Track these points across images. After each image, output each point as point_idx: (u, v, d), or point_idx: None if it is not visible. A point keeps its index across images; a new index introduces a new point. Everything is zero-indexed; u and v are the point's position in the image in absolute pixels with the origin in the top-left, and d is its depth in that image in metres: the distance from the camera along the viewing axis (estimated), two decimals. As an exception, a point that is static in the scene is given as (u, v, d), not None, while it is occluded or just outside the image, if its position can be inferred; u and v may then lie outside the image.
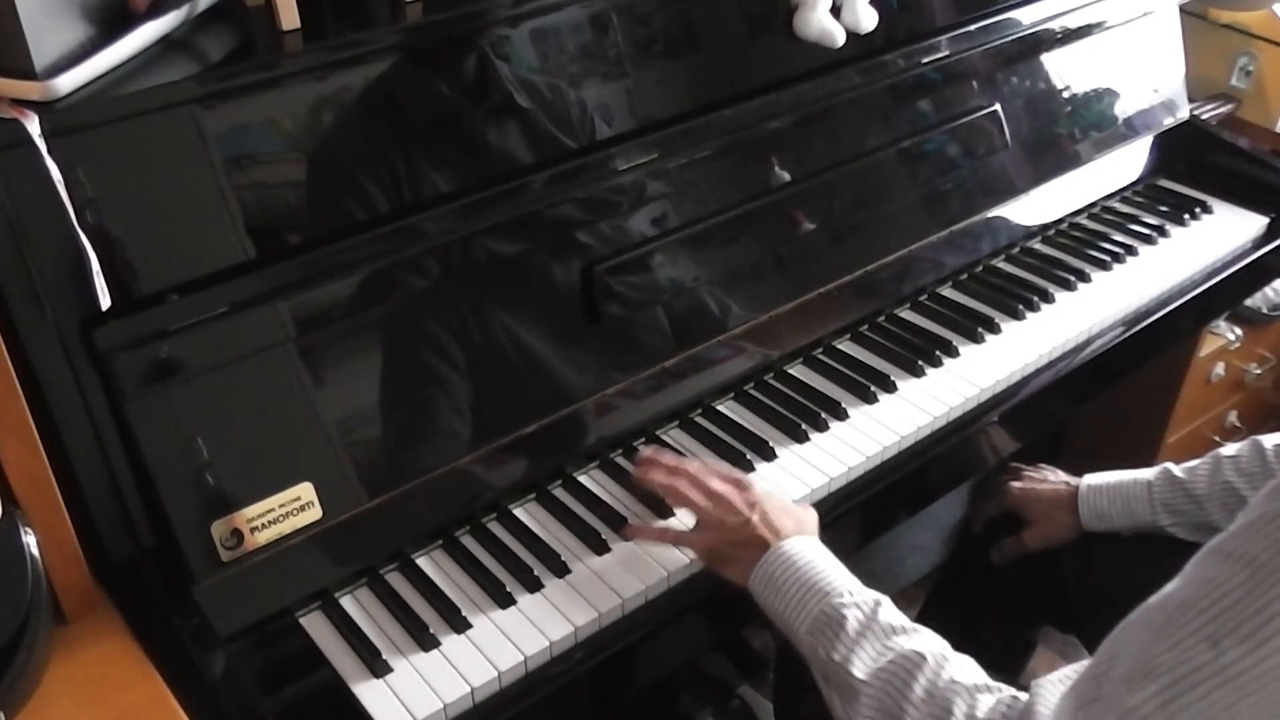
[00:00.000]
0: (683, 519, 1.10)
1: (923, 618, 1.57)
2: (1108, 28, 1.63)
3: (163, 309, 0.92)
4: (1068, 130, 1.59)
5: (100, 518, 0.94)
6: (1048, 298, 1.45)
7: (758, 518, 1.02)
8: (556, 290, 1.13)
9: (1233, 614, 0.67)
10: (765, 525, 1.01)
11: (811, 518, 1.06)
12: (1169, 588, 0.72)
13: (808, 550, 0.99)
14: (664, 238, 1.20)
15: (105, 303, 0.88)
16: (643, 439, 1.21)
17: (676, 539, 1.06)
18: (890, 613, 0.93)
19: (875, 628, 0.92)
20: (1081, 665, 0.79)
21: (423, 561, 1.06)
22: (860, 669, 0.90)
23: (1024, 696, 0.83)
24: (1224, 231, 1.61)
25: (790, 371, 1.32)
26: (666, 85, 1.22)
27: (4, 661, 0.85)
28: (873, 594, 0.95)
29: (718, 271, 1.24)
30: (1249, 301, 1.74)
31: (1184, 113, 1.74)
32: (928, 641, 0.91)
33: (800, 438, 1.21)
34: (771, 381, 1.30)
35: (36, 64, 0.84)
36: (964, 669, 0.88)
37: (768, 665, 1.57)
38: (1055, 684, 0.81)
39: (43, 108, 0.85)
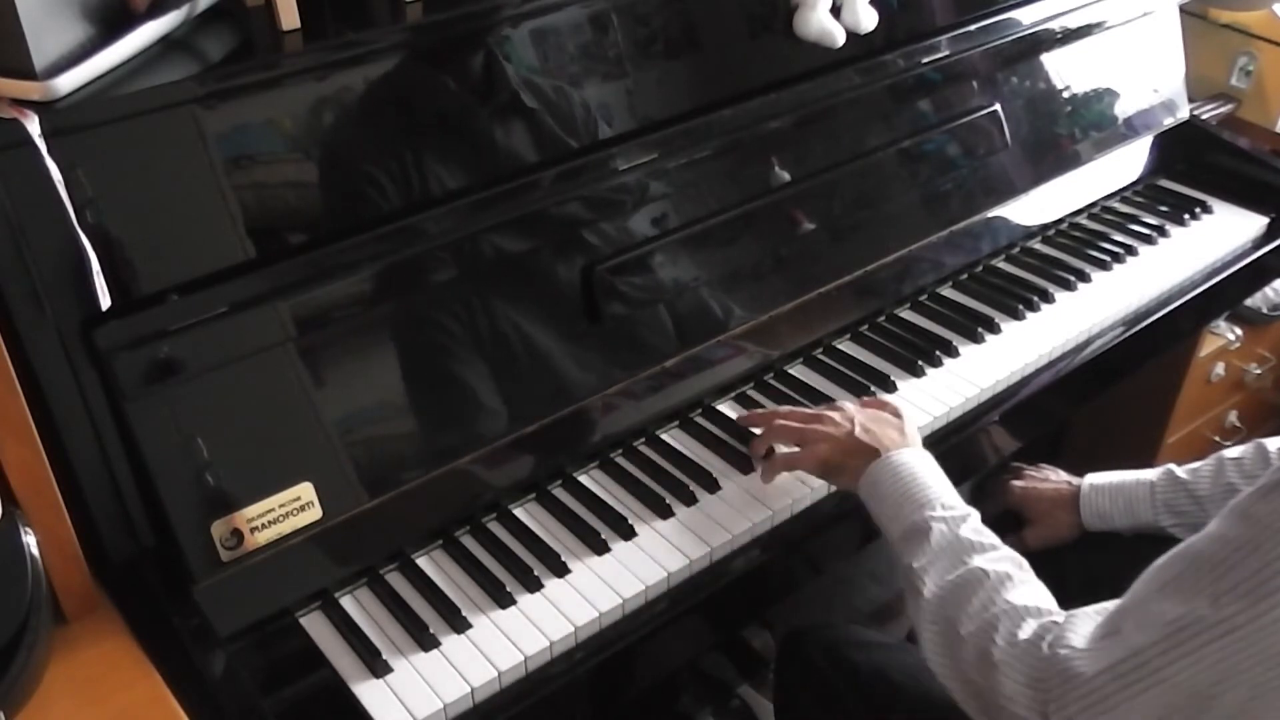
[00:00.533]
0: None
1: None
2: (1107, 28, 1.63)
3: (163, 309, 0.92)
4: (1068, 130, 1.59)
5: (100, 518, 0.94)
6: (1048, 298, 1.45)
7: (859, 429, 1.09)
8: (557, 290, 1.13)
9: (1234, 569, 0.72)
10: (869, 435, 1.08)
11: (911, 421, 1.13)
12: (1193, 538, 0.79)
13: (912, 461, 1.05)
14: (665, 237, 1.20)
15: (105, 303, 0.88)
16: (643, 439, 1.21)
17: (790, 463, 1.13)
18: (974, 529, 0.97)
19: (957, 542, 0.96)
20: (1111, 604, 0.85)
21: (423, 561, 1.06)
22: (932, 579, 0.95)
23: (1062, 620, 0.87)
24: (1224, 231, 1.61)
25: (790, 371, 1.32)
26: (667, 85, 1.22)
27: (4, 661, 0.85)
28: (965, 510, 1.00)
29: (718, 271, 1.24)
30: (1249, 301, 1.74)
31: (1184, 113, 1.74)
32: (999, 561, 0.94)
33: (800, 438, 1.21)
34: (771, 381, 1.30)
35: (36, 64, 0.84)
36: (1021, 591, 0.91)
37: (768, 665, 1.57)
38: (1090, 616, 0.86)
39: (43, 108, 0.85)
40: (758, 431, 1.18)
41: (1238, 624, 0.72)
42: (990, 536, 0.98)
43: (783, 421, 1.15)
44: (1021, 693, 0.84)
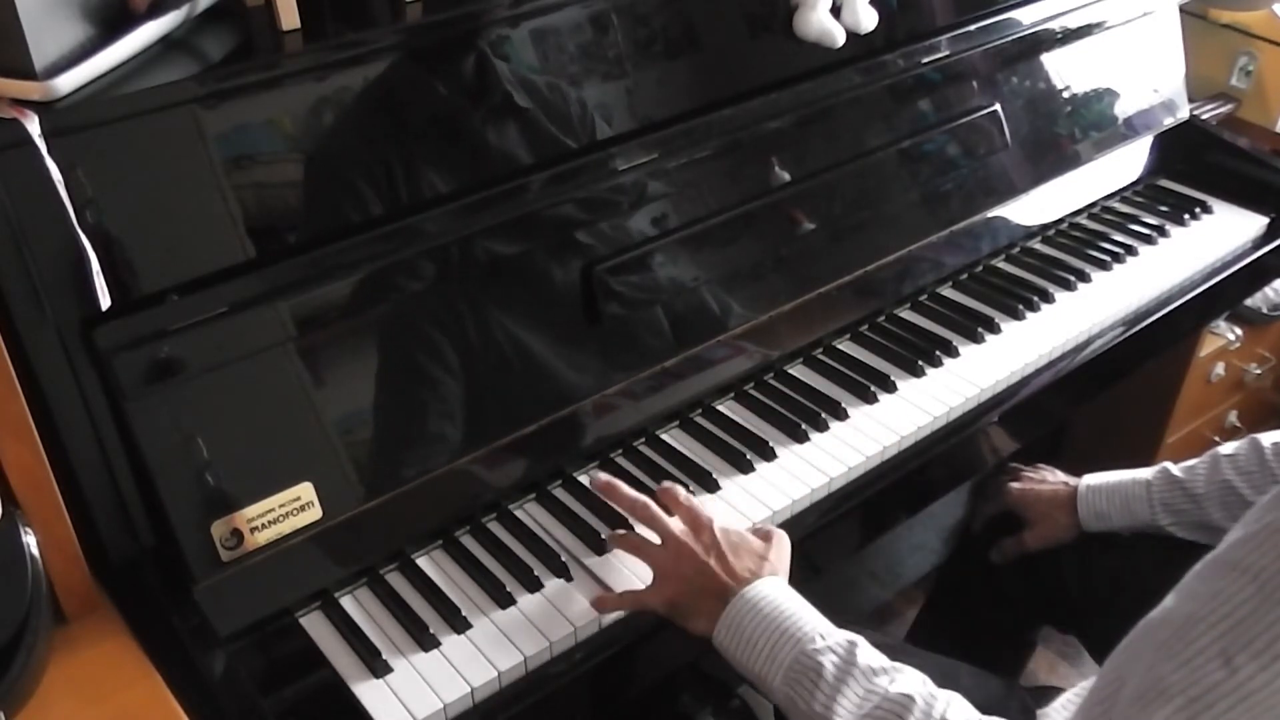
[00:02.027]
0: (641, 574, 1.04)
1: (923, 617, 1.58)
2: (1108, 28, 1.63)
3: (163, 309, 0.92)
4: (1068, 130, 1.59)
5: (100, 518, 0.94)
6: (1048, 298, 1.45)
7: (715, 562, 0.96)
8: (556, 290, 1.13)
9: (1244, 629, 0.65)
10: (725, 570, 0.96)
11: (779, 547, 1.01)
12: (1170, 602, 0.70)
13: (773, 594, 0.93)
14: (664, 238, 1.20)
15: (105, 303, 0.88)
16: (643, 439, 1.21)
17: (635, 602, 1.00)
18: (868, 654, 0.89)
19: (855, 671, 0.87)
20: (1084, 688, 0.77)
21: (423, 561, 1.06)
22: (845, 718, 0.86)
23: None
24: (1224, 231, 1.61)
25: (790, 371, 1.32)
26: (666, 85, 1.22)
27: (4, 661, 0.85)
28: (846, 635, 0.91)
29: (718, 271, 1.24)
30: (1249, 301, 1.74)
31: (1184, 113, 1.74)
32: (912, 681, 0.87)
33: (800, 438, 1.21)
34: (771, 381, 1.30)
35: (36, 64, 0.84)
36: (955, 707, 0.85)
37: (768, 665, 1.57)
38: (1059, 711, 0.81)
39: (43, 108, 0.85)
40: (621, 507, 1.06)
41: (1255, 687, 0.64)
42: (884, 658, 0.89)
43: (639, 540, 1.02)
44: None
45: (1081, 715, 0.73)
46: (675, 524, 1.01)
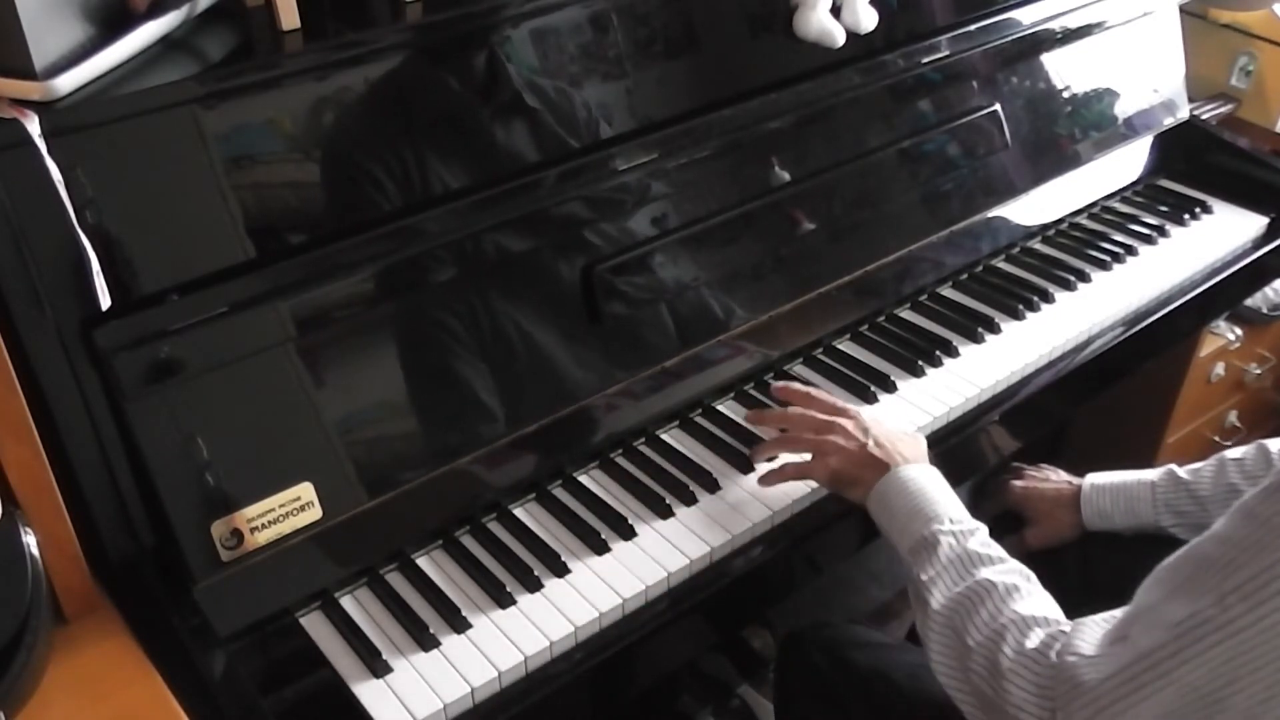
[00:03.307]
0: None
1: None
2: (1107, 28, 1.63)
3: (163, 309, 0.92)
4: (1068, 130, 1.59)
5: (100, 518, 0.94)
6: (1048, 298, 1.45)
7: (872, 442, 1.09)
8: (557, 290, 1.13)
9: (1238, 570, 0.72)
10: (881, 449, 1.08)
11: (921, 444, 1.13)
12: (1199, 538, 0.79)
13: (920, 476, 1.05)
14: (665, 237, 1.20)
15: (105, 303, 0.88)
16: (643, 439, 1.21)
17: (800, 472, 1.12)
18: (981, 542, 0.98)
19: (964, 555, 0.97)
20: (1117, 612, 0.85)
21: (423, 561, 1.06)
22: (940, 591, 0.96)
23: (1069, 629, 0.87)
24: (1224, 231, 1.61)
25: (790, 371, 1.32)
26: (667, 85, 1.22)
27: (4, 661, 0.85)
28: (973, 524, 1.01)
29: (718, 271, 1.24)
30: (1249, 301, 1.74)
31: (1184, 113, 1.74)
32: (1006, 573, 0.95)
33: (800, 438, 1.21)
34: (771, 381, 1.30)
35: (36, 64, 0.84)
36: (1029, 602, 0.92)
37: (768, 665, 1.57)
38: (1097, 623, 0.86)
39: (43, 108, 0.85)
40: (762, 433, 1.18)
41: (1243, 625, 0.72)
42: (998, 550, 0.98)
43: (795, 427, 1.15)
44: (1029, 700, 0.85)
45: (1111, 629, 0.83)
46: (830, 416, 1.14)
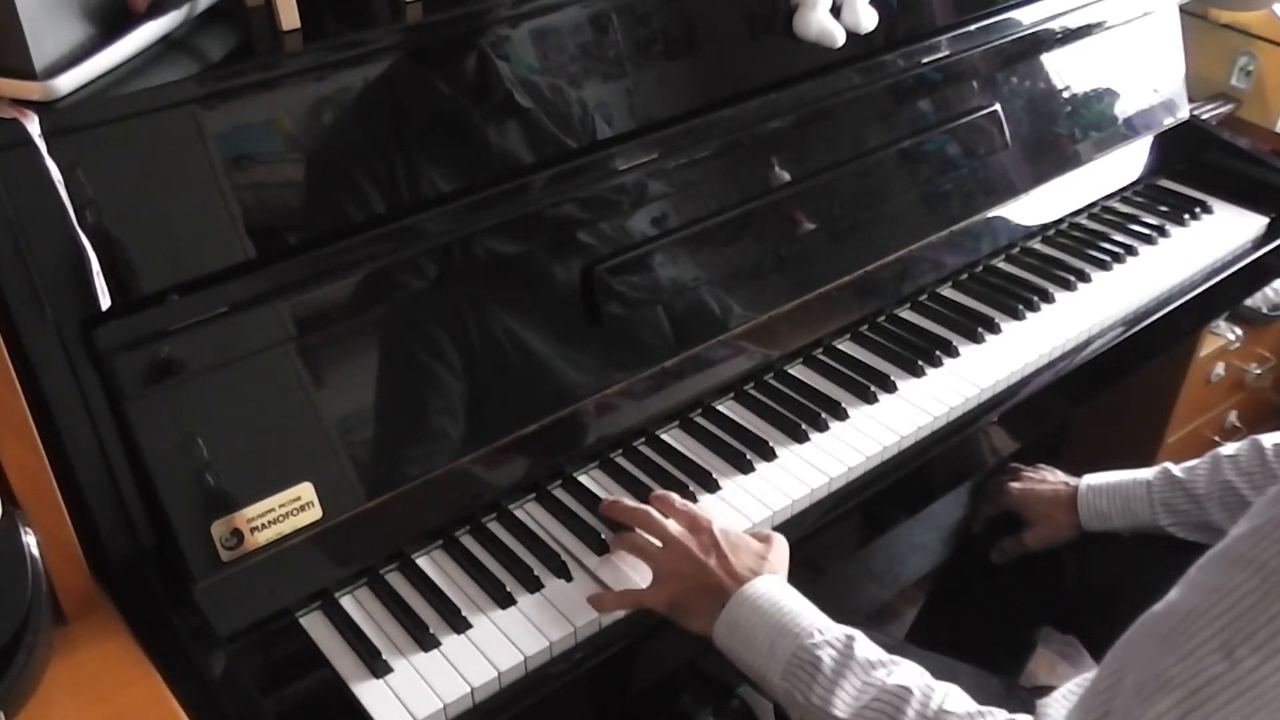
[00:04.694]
0: (642, 574, 1.04)
1: (923, 617, 1.58)
2: (1107, 28, 1.63)
3: (163, 309, 0.92)
4: (1068, 130, 1.59)
5: (100, 518, 0.94)
6: (1048, 298, 1.45)
7: (714, 562, 0.97)
8: (556, 290, 1.13)
9: (1245, 621, 0.65)
10: (724, 570, 0.97)
11: (778, 549, 1.02)
12: (1173, 596, 0.70)
13: (771, 591, 0.95)
14: (664, 238, 1.20)
15: (105, 303, 0.88)
16: (643, 439, 1.21)
17: (635, 600, 1.01)
18: (866, 647, 0.90)
19: (853, 664, 0.88)
20: (1084, 680, 0.78)
21: (423, 561, 1.06)
22: (842, 709, 0.86)
23: (1023, 718, 0.81)
24: (1224, 231, 1.61)
25: (790, 371, 1.32)
26: (666, 85, 1.22)
27: (4, 661, 0.85)
28: (844, 630, 0.92)
29: (718, 271, 1.24)
30: (1249, 301, 1.74)
31: (1184, 113, 1.74)
32: (909, 674, 0.88)
33: (800, 438, 1.21)
34: (771, 381, 1.30)
35: (36, 64, 0.84)
36: (952, 698, 0.85)
37: (768, 665, 1.57)
38: (1059, 701, 0.81)
39: (43, 108, 0.85)
40: (619, 518, 1.08)
41: (1258, 678, 0.65)
42: (882, 651, 0.90)
43: (645, 529, 1.04)
44: None
45: (1082, 706, 0.73)
46: (674, 526, 1.02)
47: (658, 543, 1.02)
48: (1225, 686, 0.65)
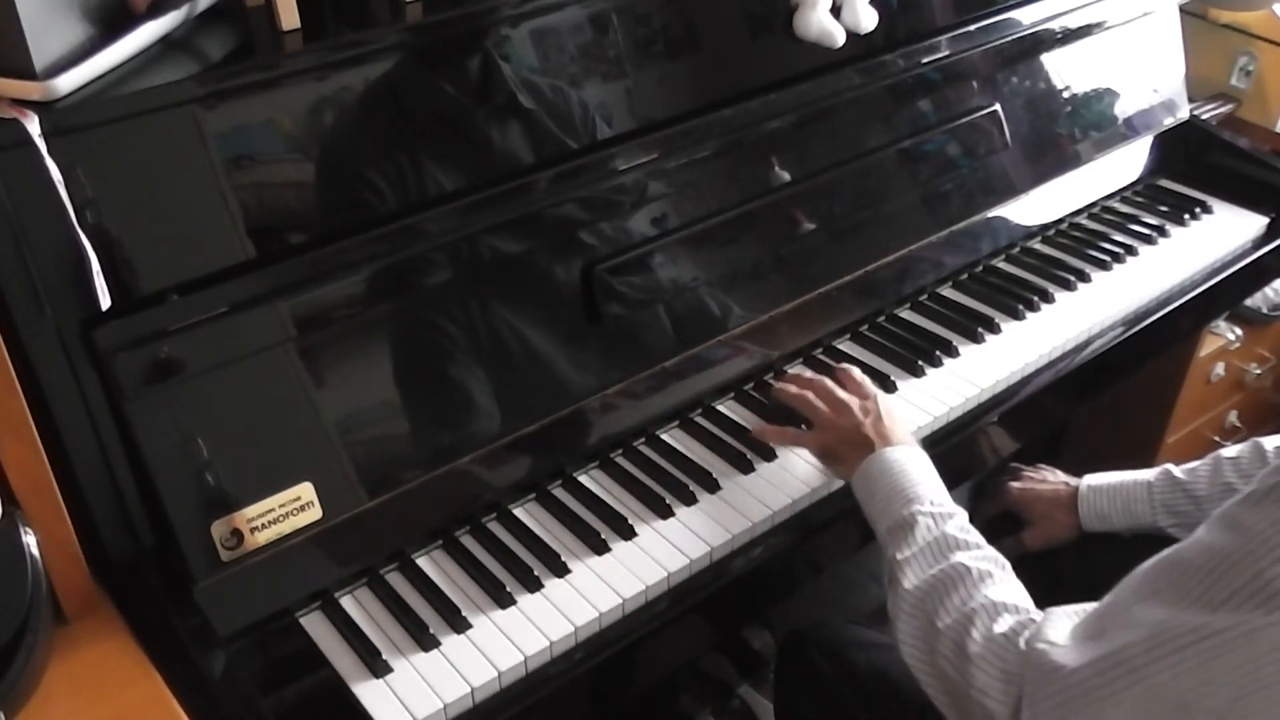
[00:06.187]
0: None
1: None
2: (1107, 28, 1.63)
3: (163, 309, 0.92)
4: (1068, 130, 1.59)
5: (100, 518, 0.94)
6: (1048, 298, 1.45)
7: (870, 423, 1.10)
8: (557, 290, 1.13)
9: (1224, 580, 0.73)
10: (875, 431, 1.10)
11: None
12: (1179, 545, 0.79)
13: (905, 458, 1.06)
14: (664, 237, 1.20)
15: (105, 303, 0.88)
16: (643, 439, 1.21)
17: (796, 439, 1.17)
18: (959, 527, 0.99)
19: (941, 538, 0.98)
20: (1085, 607, 0.85)
21: (423, 561, 1.06)
22: (914, 572, 0.96)
23: (1040, 618, 0.87)
24: (1224, 231, 1.61)
25: (790, 372, 1.32)
26: (667, 85, 1.22)
27: (4, 661, 0.85)
28: (952, 508, 1.01)
29: (718, 271, 1.24)
30: (1249, 301, 1.74)
31: (1184, 113, 1.74)
32: (981, 559, 0.95)
33: (800, 438, 1.21)
34: (772, 381, 1.30)
35: (36, 64, 0.84)
36: (1001, 589, 0.92)
37: (768, 665, 1.57)
38: (1068, 615, 0.87)
39: (43, 108, 0.85)
40: (791, 391, 1.20)
41: (1221, 629, 0.72)
42: (975, 535, 0.99)
43: (810, 396, 1.17)
44: (994, 685, 0.85)
45: (1083, 623, 0.83)
46: (843, 392, 1.17)
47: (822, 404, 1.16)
48: (1201, 637, 0.73)
